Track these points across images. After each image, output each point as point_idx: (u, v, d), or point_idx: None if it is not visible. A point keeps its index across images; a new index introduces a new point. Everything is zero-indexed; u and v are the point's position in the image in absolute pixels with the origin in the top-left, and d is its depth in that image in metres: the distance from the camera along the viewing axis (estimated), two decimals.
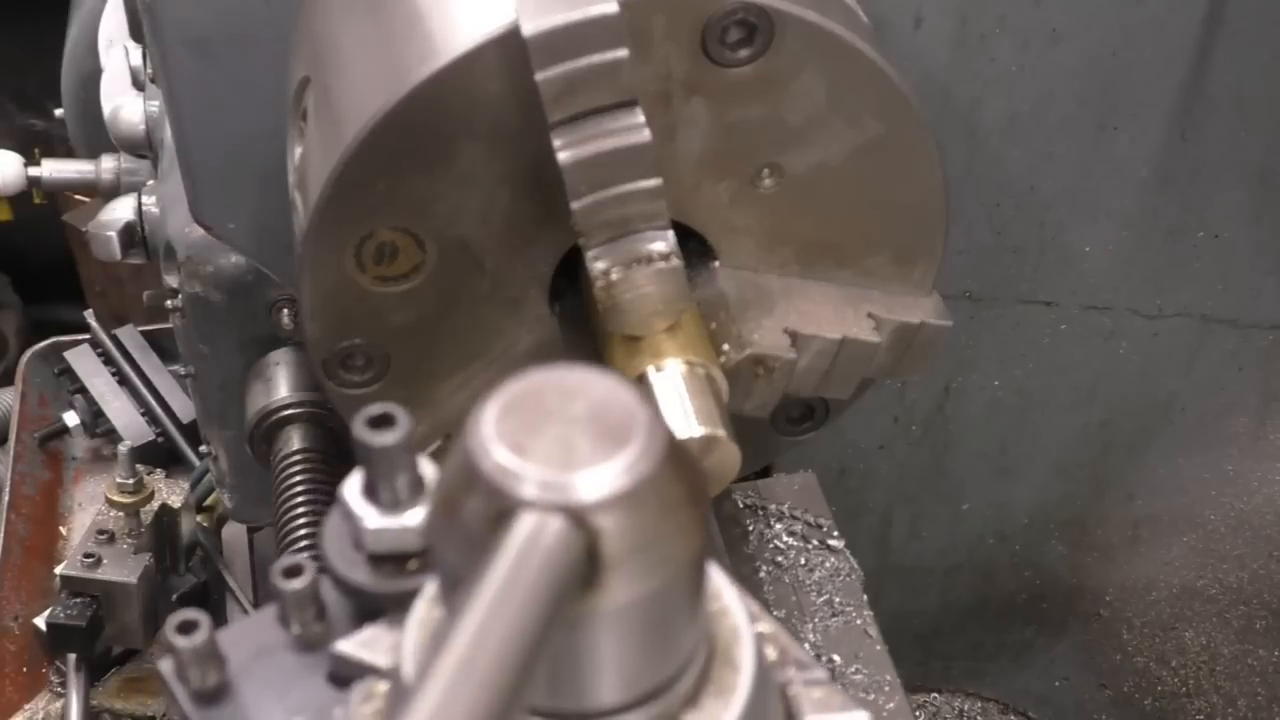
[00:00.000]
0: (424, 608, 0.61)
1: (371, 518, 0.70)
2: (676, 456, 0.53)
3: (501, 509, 0.50)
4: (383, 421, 0.65)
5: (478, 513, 0.51)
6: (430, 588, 0.62)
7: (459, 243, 1.03)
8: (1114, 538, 2.01)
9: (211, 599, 1.89)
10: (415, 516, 0.71)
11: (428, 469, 0.73)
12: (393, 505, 0.70)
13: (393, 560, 0.72)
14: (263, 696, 0.68)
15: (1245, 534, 1.93)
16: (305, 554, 0.78)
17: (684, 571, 0.54)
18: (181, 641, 0.67)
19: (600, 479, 0.50)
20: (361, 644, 0.66)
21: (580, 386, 0.53)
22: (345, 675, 0.66)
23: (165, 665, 0.69)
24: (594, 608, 0.52)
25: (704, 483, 0.56)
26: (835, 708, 0.63)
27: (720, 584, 0.62)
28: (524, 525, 0.49)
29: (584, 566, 0.51)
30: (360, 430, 0.65)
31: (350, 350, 1.08)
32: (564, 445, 0.51)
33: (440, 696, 0.45)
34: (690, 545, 0.54)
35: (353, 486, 0.70)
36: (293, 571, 0.70)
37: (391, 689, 0.63)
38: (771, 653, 0.64)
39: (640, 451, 0.51)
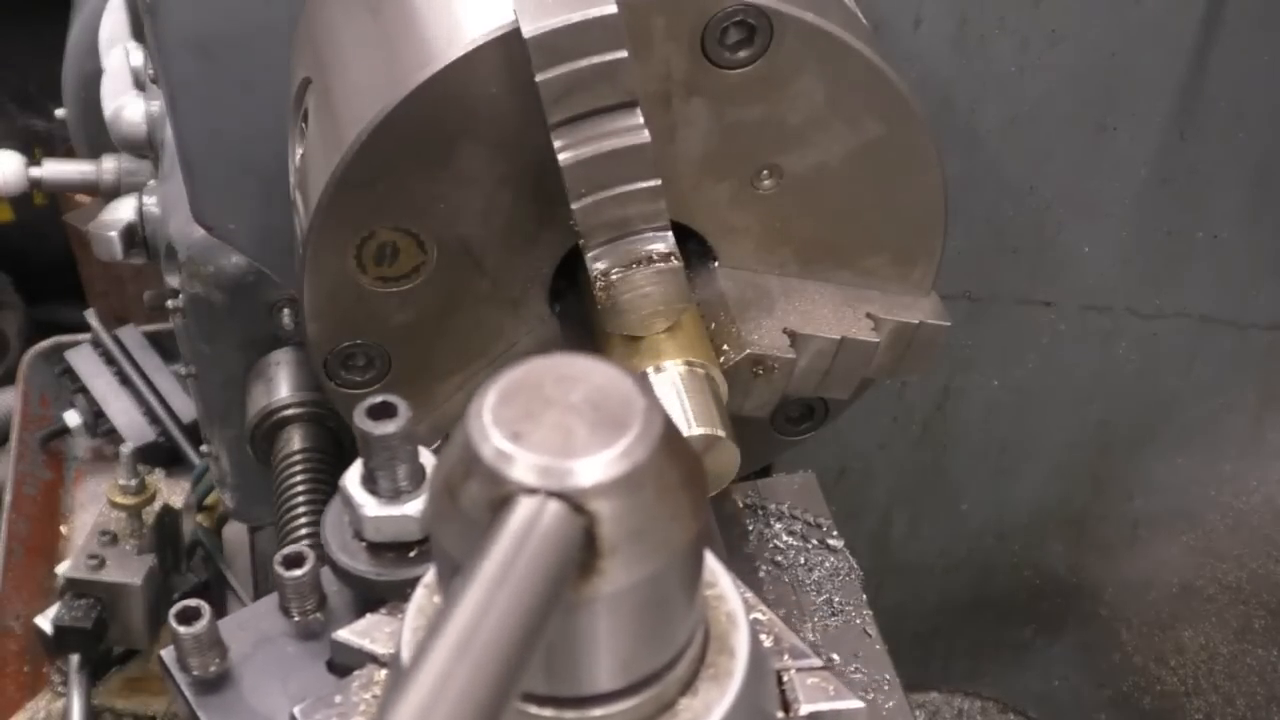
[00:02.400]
0: (423, 595, 0.62)
1: (371, 506, 0.70)
2: (674, 442, 0.53)
3: (500, 494, 0.51)
4: (382, 411, 0.66)
5: (476, 498, 0.52)
6: (430, 575, 0.62)
7: (460, 243, 1.03)
8: (1113, 537, 2.02)
9: (213, 598, 1.90)
10: (415, 506, 0.71)
11: (428, 459, 0.73)
12: (393, 495, 0.71)
13: (393, 549, 0.73)
14: (263, 684, 0.69)
15: (1243, 533, 1.93)
16: (306, 544, 0.79)
17: (682, 556, 0.54)
18: (183, 630, 0.67)
19: (597, 464, 0.51)
20: (360, 632, 0.66)
21: (579, 374, 0.54)
22: (345, 663, 0.67)
23: (167, 653, 0.69)
24: (592, 592, 0.52)
25: (702, 468, 0.56)
26: (829, 695, 0.64)
27: (717, 570, 0.62)
28: (522, 510, 0.50)
29: (582, 551, 0.51)
30: (360, 420, 0.65)
31: (351, 350, 1.08)
32: (562, 431, 0.52)
33: (435, 679, 0.45)
34: (688, 530, 0.54)
35: (353, 476, 0.71)
36: (293, 561, 0.71)
37: (390, 676, 0.63)
38: (767, 640, 0.65)
39: (637, 437, 0.52)
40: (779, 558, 1.36)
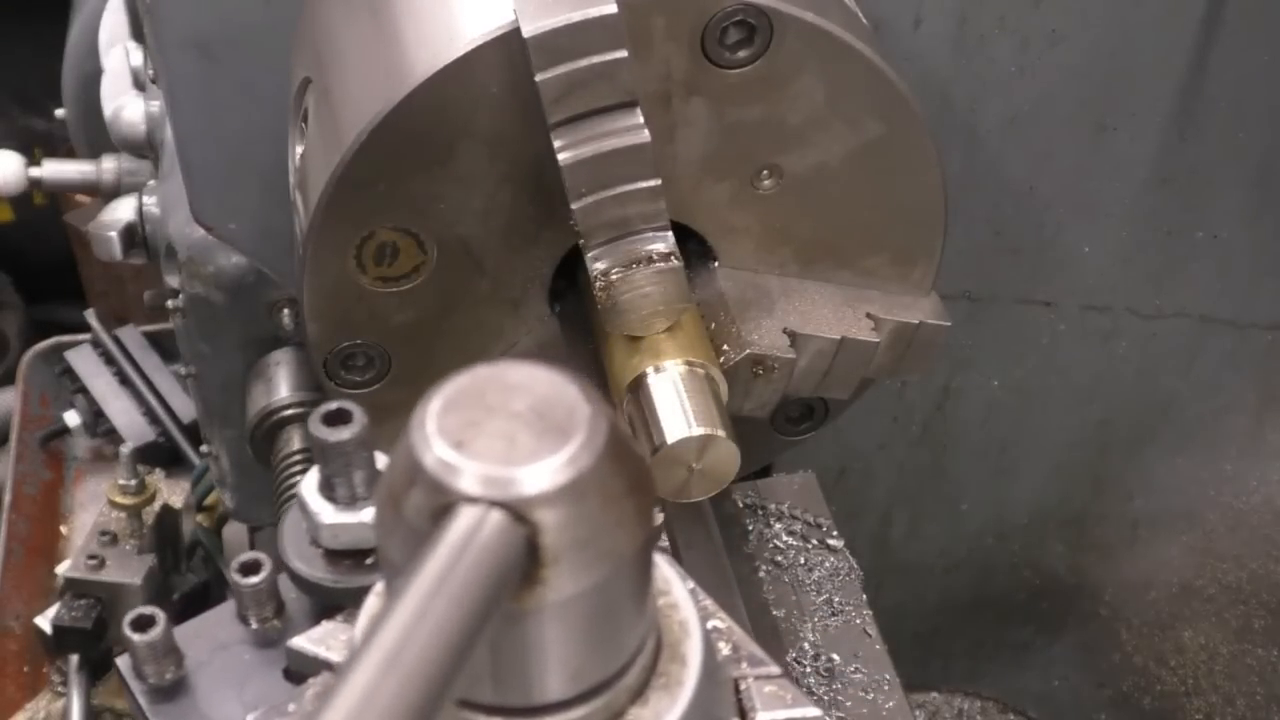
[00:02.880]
0: (375, 602, 0.62)
1: (328, 513, 0.70)
2: (620, 450, 0.53)
3: (442, 503, 0.51)
4: (338, 418, 0.65)
5: (419, 507, 0.52)
6: (382, 583, 0.62)
7: (459, 243, 1.03)
8: (1113, 537, 2.02)
9: (213, 599, 1.90)
10: (372, 512, 0.70)
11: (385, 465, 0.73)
12: (349, 501, 0.70)
13: (350, 556, 0.72)
14: (219, 691, 0.69)
15: (1243, 533, 1.93)
16: None
17: (628, 565, 0.54)
18: (137, 637, 0.67)
19: (540, 473, 0.51)
20: (316, 639, 0.66)
21: (523, 382, 0.54)
22: (301, 671, 0.66)
23: (122, 661, 0.69)
24: (536, 601, 0.52)
25: (649, 476, 0.56)
26: (787, 703, 0.63)
27: (670, 578, 0.62)
28: (463, 519, 0.50)
29: (525, 560, 0.51)
30: (316, 427, 0.65)
31: (351, 350, 1.08)
32: (505, 440, 0.52)
33: (363, 689, 0.45)
34: (634, 538, 0.54)
35: (310, 483, 0.70)
36: (250, 568, 0.70)
37: None
38: (725, 648, 0.64)
39: (581, 445, 0.52)
40: (779, 558, 1.36)
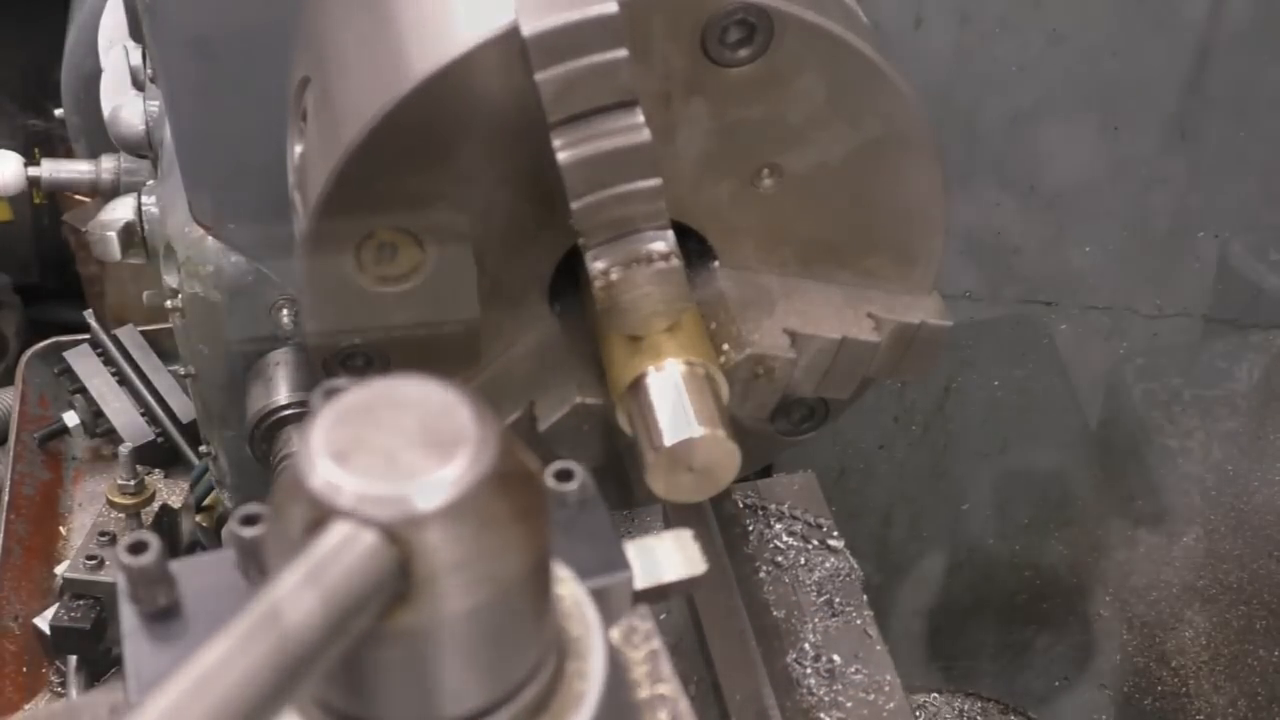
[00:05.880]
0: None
1: None
2: (507, 472, 0.52)
3: (319, 519, 0.50)
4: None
5: (297, 521, 0.51)
6: None
7: (459, 243, 1.03)
8: (1114, 538, 2.01)
9: None
10: None
11: None
12: None
13: None
14: (207, 622, 0.67)
15: (1245, 534, 1.93)
16: None
17: (511, 589, 0.53)
18: (131, 561, 0.65)
19: (418, 494, 0.50)
20: None
21: (414, 399, 0.53)
22: None
23: (121, 581, 0.67)
24: (407, 622, 0.51)
25: (540, 500, 0.55)
26: None
27: (592, 640, 0.60)
28: (333, 534, 0.49)
29: (396, 580, 0.50)
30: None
31: (350, 350, 1.08)
32: (388, 458, 0.51)
33: (177, 697, 0.44)
34: (517, 563, 0.53)
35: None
36: (251, 520, 0.69)
37: None
38: (664, 718, 0.63)
39: (464, 467, 0.51)
40: (779, 558, 1.36)
